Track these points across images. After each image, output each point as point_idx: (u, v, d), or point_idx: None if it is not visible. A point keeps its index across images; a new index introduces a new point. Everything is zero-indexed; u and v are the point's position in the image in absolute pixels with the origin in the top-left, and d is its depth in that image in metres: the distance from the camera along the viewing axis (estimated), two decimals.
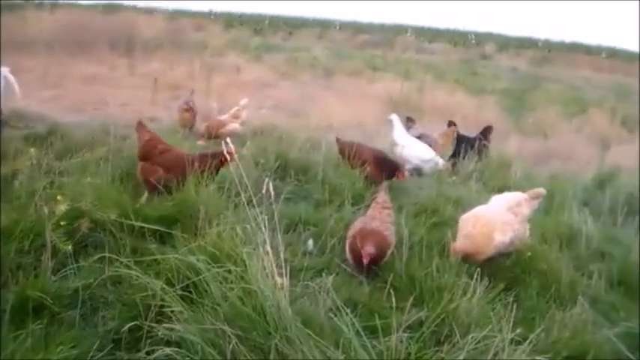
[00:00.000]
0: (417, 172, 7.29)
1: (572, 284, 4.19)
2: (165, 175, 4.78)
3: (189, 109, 8.38)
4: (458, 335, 2.96)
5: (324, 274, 3.75)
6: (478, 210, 4.42)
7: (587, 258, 4.94)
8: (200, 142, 7.48)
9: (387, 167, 6.08)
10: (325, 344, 2.73)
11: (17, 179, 4.64)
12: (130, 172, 5.27)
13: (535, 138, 12.65)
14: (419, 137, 8.41)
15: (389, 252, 4.11)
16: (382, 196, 4.68)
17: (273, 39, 31.19)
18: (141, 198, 4.75)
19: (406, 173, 6.19)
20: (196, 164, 4.78)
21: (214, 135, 7.60)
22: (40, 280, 3.33)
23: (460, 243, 4.13)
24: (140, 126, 5.27)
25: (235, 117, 8.11)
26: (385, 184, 4.89)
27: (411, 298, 3.36)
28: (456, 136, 8.62)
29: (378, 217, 4.36)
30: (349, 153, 6.09)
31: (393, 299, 3.13)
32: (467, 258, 4.06)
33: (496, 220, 4.21)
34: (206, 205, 4.18)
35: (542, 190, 4.64)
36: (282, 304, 2.88)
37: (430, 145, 8.19)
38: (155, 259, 3.50)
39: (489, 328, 2.96)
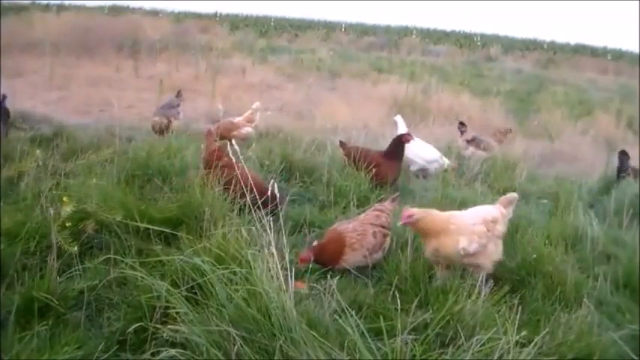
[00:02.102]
0: (423, 173, 7.29)
1: (577, 286, 4.15)
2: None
3: None
4: (463, 337, 2.94)
5: (328, 276, 3.74)
6: (453, 212, 4.22)
7: (593, 260, 4.90)
8: None
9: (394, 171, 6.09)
10: (330, 346, 2.73)
11: (23, 181, 4.66)
12: (136, 174, 5.28)
13: (540, 140, 12.63)
14: (472, 140, 8.50)
15: (355, 251, 4.07)
16: (386, 202, 4.64)
17: (278, 41, 31.27)
18: None
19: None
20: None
21: (223, 136, 7.22)
22: (45, 281, 3.34)
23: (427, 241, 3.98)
24: (209, 134, 5.57)
25: (249, 120, 7.90)
26: (396, 195, 4.86)
27: (416, 300, 3.37)
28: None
29: (361, 218, 4.35)
30: (355, 156, 6.07)
31: (398, 301, 3.11)
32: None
33: (466, 225, 3.98)
34: (211, 207, 4.18)
35: (514, 195, 4.40)
36: (287, 306, 2.88)
37: (486, 148, 8.32)
38: (160, 261, 3.51)
39: (494, 330, 2.95)
